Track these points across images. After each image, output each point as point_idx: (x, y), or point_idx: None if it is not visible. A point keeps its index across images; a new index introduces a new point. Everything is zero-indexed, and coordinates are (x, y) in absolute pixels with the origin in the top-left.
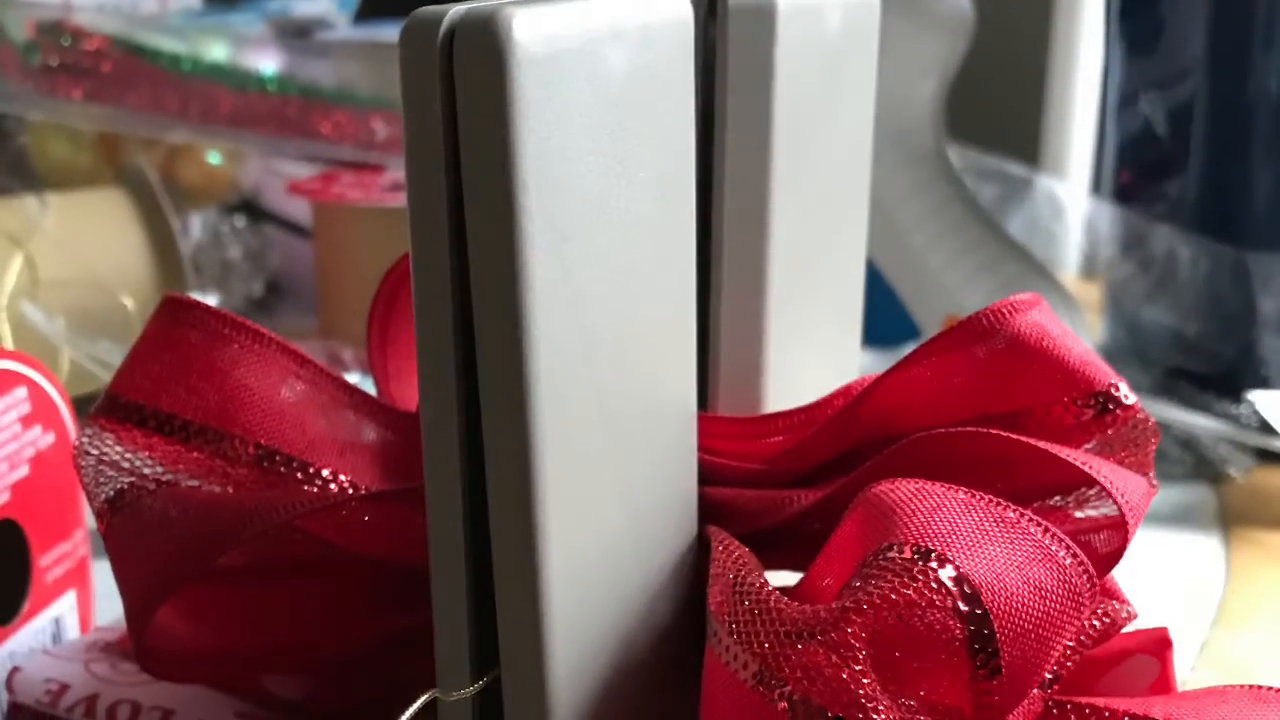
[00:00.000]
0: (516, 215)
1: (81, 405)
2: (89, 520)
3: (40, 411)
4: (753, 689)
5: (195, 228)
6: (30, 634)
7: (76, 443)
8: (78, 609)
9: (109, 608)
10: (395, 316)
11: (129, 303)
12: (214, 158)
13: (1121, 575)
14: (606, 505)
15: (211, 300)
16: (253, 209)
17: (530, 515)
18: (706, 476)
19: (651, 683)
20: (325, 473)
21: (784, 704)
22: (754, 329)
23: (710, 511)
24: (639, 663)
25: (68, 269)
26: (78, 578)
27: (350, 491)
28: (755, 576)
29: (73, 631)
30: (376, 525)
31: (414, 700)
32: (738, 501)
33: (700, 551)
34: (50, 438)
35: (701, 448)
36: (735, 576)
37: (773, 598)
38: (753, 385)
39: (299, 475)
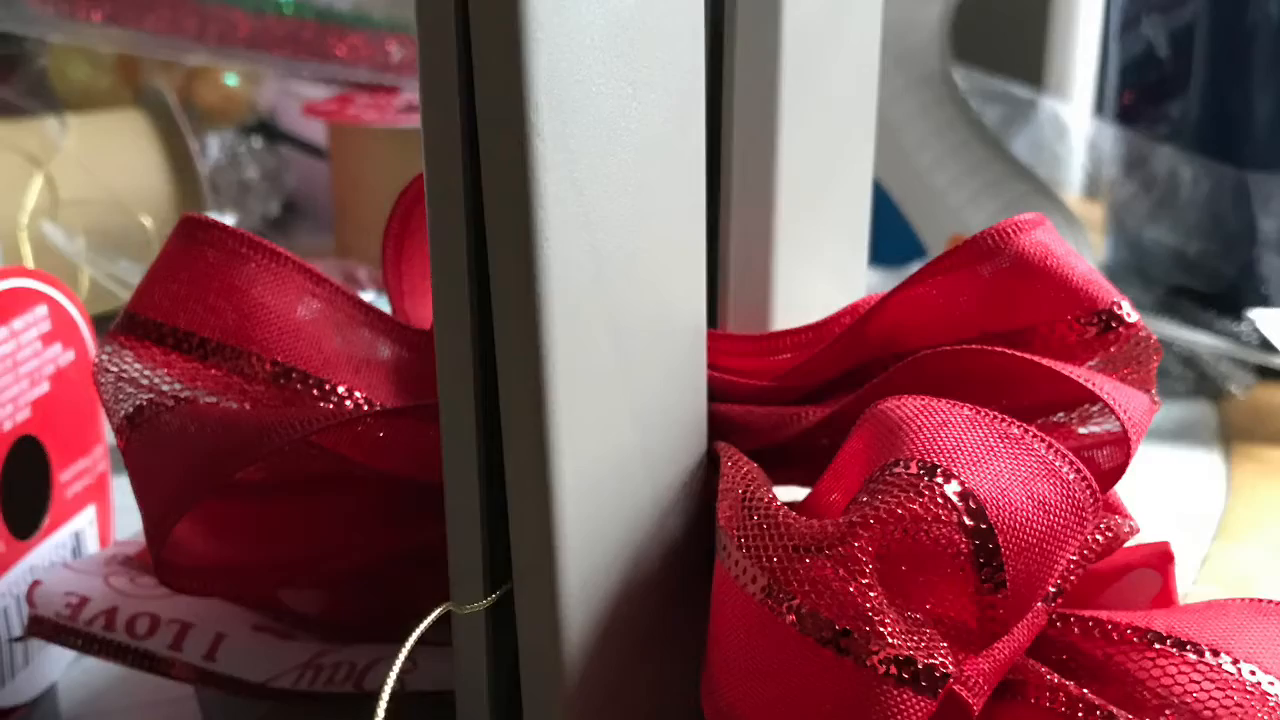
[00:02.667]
0: (529, 136)
1: (101, 323)
2: (108, 436)
3: (60, 329)
4: (761, 602)
5: (213, 149)
6: (50, 548)
7: (96, 360)
8: (97, 524)
9: (128, 523)
10: (410, 236)
11: (148, 222)
12: (231, 80)
13: (1124, 491)
14: (617, 421)
15: (229, 220)
16: (269, 130)
17: (543, 430)
18: (716, 393)
19: (662, 596)
20: (341, 389)
21: (792, 617)
22: (763, 248)
23: (719, 428)
24: (649, 576)
25: (87, 189)
26: (97, 493)
27: (365, 408)
28: (764, 491)
29: (92, 546)
30: (391, 441)
31: (428, 614)
32: (746, 418)
33: (709, 467)
34: (70, 355)
35: (711, 365)
36: (744, 491)
37: (781, 512)
38: (761, 303)
39: (315, 392)
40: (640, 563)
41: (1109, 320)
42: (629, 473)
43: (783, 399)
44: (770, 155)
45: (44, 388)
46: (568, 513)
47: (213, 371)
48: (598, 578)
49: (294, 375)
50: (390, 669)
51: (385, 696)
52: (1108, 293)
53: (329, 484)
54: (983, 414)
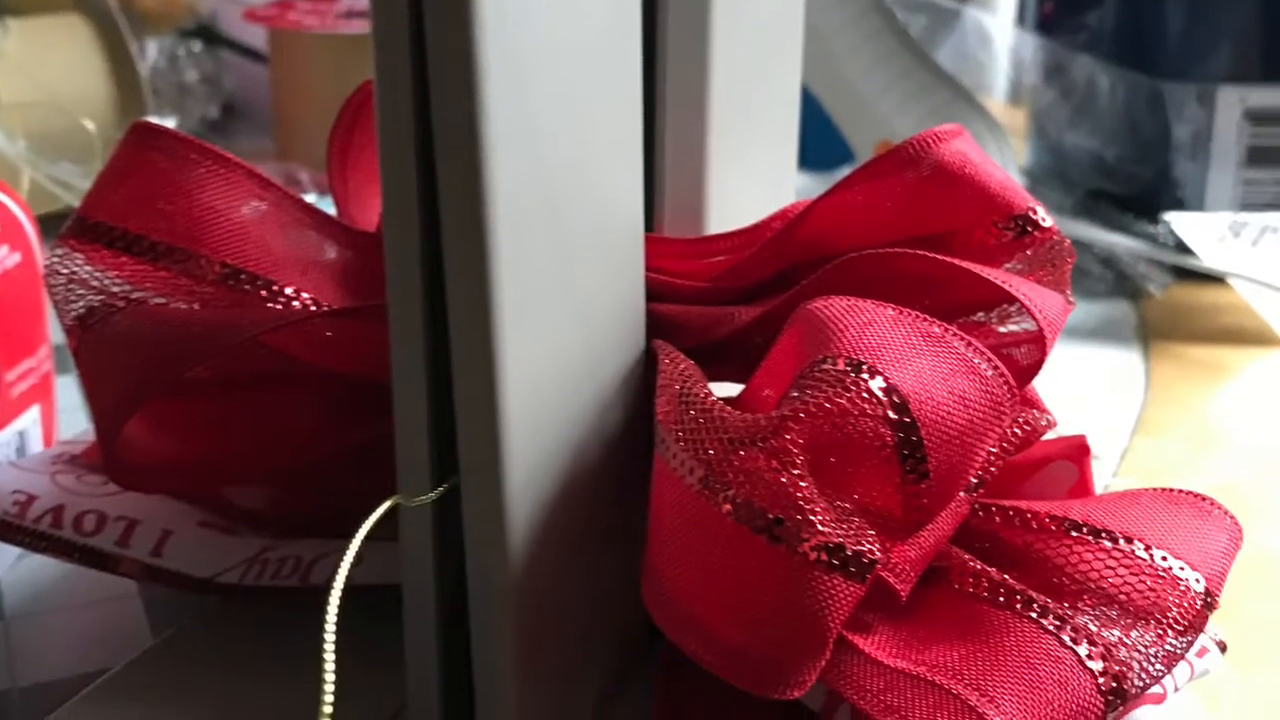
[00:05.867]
0: (474, 45)
1: (43, 225)
2: (54, 337)
3: (6, 232)
4: (698, 493)
5: (152, 52)
6: None
7: (45, 263)
8: (41, 424)
9: (71, 423)
10: (355, 141)
11: (89, 125)
12: None
13: (1046, 387)
14: (560, 319)
15: (169, 123)
16: (209, 34)
17: (488, 328)
18: (653, 294)
19: (604, 488)
20: (288, 290)
21: (728, 506)
22: (696, 154)
23: (657, 327)
24: (591, 469)
25: (29, 92)
26: (42, 393)
27: (313, 308)
28: (700, 387)
29: (37, 445)
30: (338, 340)
31: (373, 509)
32: (683, 317)
33: (648, 364)
34: (16, 257)
35: (648, 267)
36: (681, 387)
37: (716, 407)
38: (696, 208)
39: (263, 293)
40: (583, 456)
41: (1025, 225)
42: (571, 369)
43: (717, 299)
44: (702, 64)
45: None
46: (513, 407)
47: (163, 273)
48: (542, 471)
49: (242, 276)
50: (337, 563)
51: (338, 588)
52: (1023, 199)
53: (276, 382)
54: (906, 314)
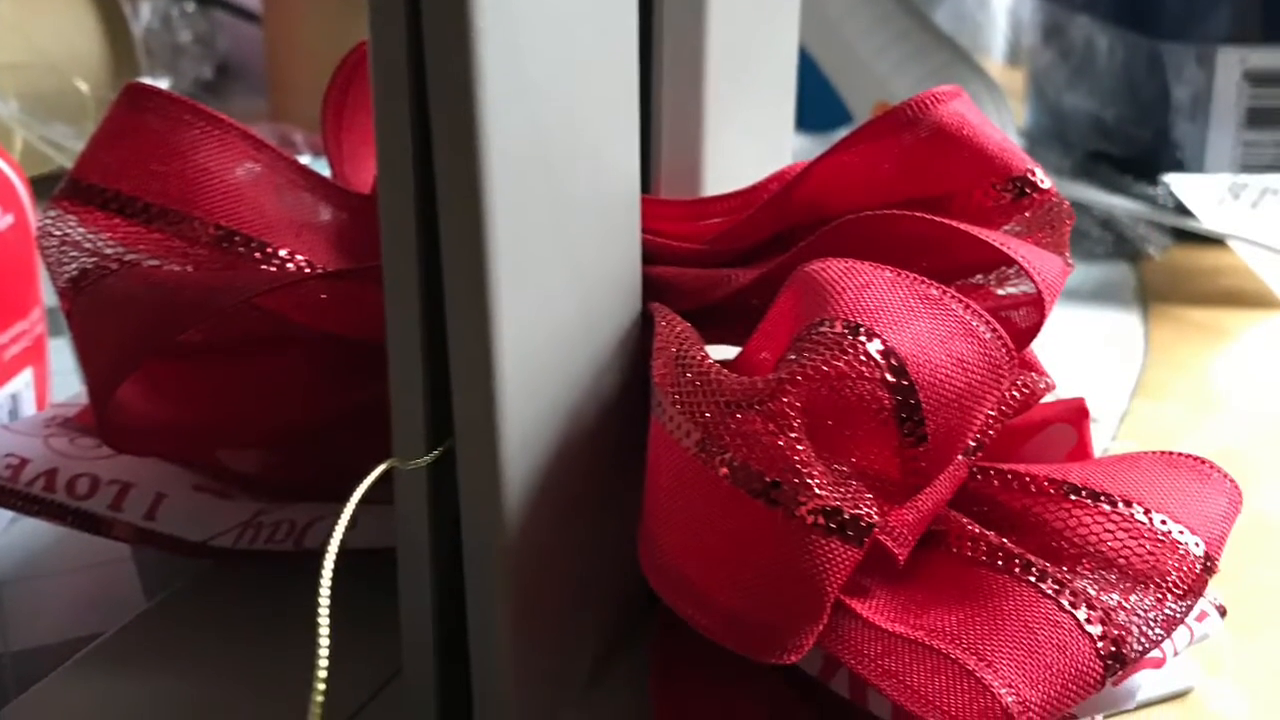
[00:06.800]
0: (470, 8)
1: (36, 187)
2: (46, 299)
3: None
4: (695, 456)
5: (145, 13)
6: None
7: (38, 225)
8: (34, 387)
9: (64, 386)
10: (350, 101)
11: (83, 86)
12: None
13: (1045, 350)
14: (556, 281)
15: (163, 84)
16: None
17: (484, 289)
18: (650, 256)
19: (600, 452)
20: (283, 252)
21: (724, 470)
22: (693, 116)
23: (654, 289)
24: (587, 432)
25: (21, 53)
26: (35, 355)
27: (307, 270)
28: (697, 350)
29: (29, 409)
30: (333, 303)
31: (368, 473)
32: (679, 280)
33: (645, 327)
34: (9, 219)
35: (645, 229)
36: (678, 350)
37: (713, 370)
38: (692, 169)
39: (257, 255)
40: (579, 419)
41: (1023, 186)
42: (567, 331)
43: (714, 261)
44: (699, 23)
45: None
46: (508, 370)
47: (156, 235)
48: (538, 434)
49: (236, 239)
50: (332, 527)
51: (333, 552)
52: (1022, 160)
53: (271, 345)
54: (904, 276)
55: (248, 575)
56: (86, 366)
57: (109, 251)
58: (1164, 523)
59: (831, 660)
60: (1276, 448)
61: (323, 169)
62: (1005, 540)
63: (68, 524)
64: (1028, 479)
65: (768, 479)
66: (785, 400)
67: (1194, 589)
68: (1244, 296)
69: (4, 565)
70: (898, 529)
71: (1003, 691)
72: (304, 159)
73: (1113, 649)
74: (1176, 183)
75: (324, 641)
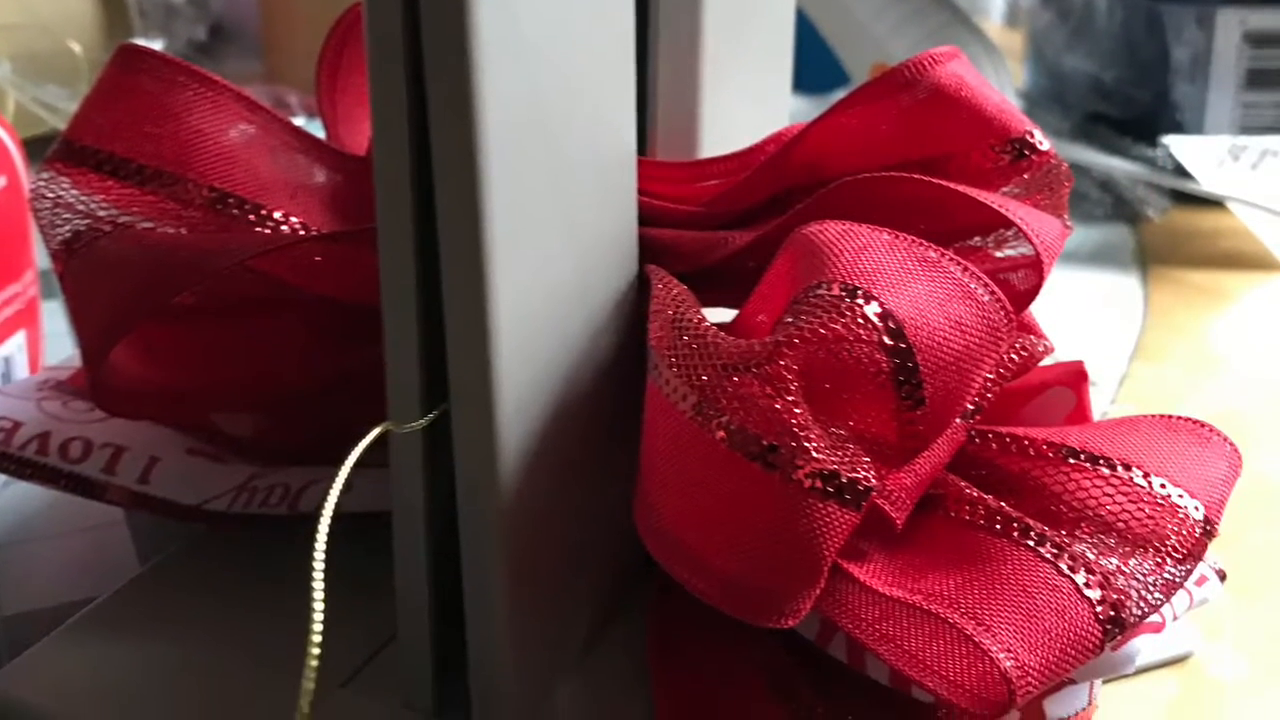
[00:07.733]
0: None
1: (29, 148)
2: (39, 261)
3: None
4: (691, 419)
5: None
6: None
7: (31, 186)
8: (27, 349)
9: (56, 349)
10: (345, 63)
11: (75, 47)
12: None
13: (1044, 313)
14: (552, 243)
15: (156, 45)
16: None
17: (480, 252)
18: (646, 218)
19: (596, 415)
20: (277, 214)
21: (721, 433)
22: (690, 77)
23: (650, 251)
24: (583, 396)
25: (14, 14)
26: (27, 318)
27: (301, 233)
28: (693, 312)
29: (22, 371)
30: (327, 265)
31: (362, 437)
32: (676, 242)
33: (641, 290)
34: (2, 181)
35: (641, 191)
36: (674, 312)
37: (710, 332)
38: (689, 131)
39: (251, 217)
40: (575, 381)
41: (1022, 148)
42: (564, 294)
43: (710, 224)
44: None
45: None
46: (504, 332)
47: (150, 197)
48: (533, 396)
49: (230, 200)
50: (326, 490)
51: (327, 515)
52: (1020, 122)
53: (265, 307)
54: (901, 238)
55: (242, 539)
56: (80, 329)
57: (102, 213)
58: (1163, 486)
59: (829, 624)
60: (1276, 410)
61: (317, 131)
62: (1003, 504)
63: (61, 488)
64: (1026, 442)
65: (765, 442)
66: (782, 363)
67: (1193, 553)
68: (1243, 259)
69: None
70: (895, 492)
71: (1001, 656)
72: (298, 121)
73: (1112, 613)
74: (1176, 144)
75: (318, 605)
